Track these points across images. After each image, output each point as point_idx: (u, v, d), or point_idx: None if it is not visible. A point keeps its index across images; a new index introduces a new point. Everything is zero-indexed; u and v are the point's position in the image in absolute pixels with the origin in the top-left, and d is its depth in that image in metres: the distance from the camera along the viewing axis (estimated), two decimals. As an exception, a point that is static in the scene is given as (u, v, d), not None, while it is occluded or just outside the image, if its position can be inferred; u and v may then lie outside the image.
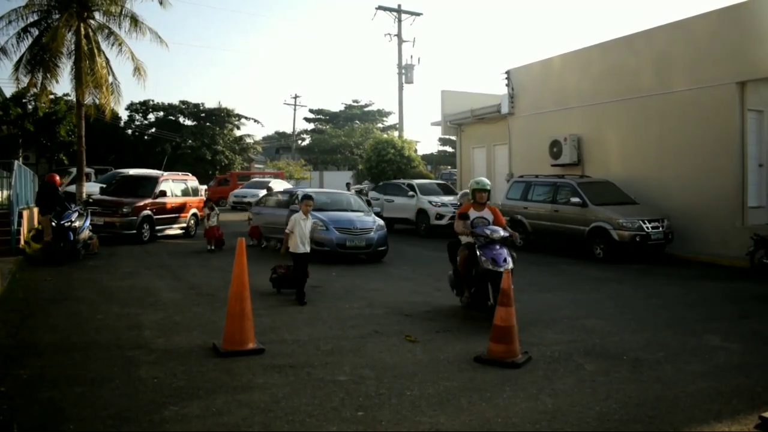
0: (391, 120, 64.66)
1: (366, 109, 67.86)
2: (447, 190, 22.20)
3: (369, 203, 20.05)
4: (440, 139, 62.86)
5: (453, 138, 30.27)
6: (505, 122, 22.62)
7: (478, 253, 8.11)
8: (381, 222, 14.84)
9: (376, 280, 11.84)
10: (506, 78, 22.26)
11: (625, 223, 14.42)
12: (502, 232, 8.25)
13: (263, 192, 22.53)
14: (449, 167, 51.91)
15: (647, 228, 14.37)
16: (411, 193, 20.95)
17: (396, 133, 33.47)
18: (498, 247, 8.09)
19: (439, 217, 19.87)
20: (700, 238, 15.35)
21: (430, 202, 20.26)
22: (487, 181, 8.88)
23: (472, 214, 8.60)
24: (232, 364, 6.15)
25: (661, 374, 6.03)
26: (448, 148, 60.34)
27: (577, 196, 15.51)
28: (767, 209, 15.72)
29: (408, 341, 7.20)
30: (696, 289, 11.16)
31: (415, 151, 29.27)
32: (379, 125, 64.17)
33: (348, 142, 58.65)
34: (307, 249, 9.64)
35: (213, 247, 15.88)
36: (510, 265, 7.87)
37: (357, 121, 65.62)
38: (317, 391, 5.43)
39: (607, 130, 18.43)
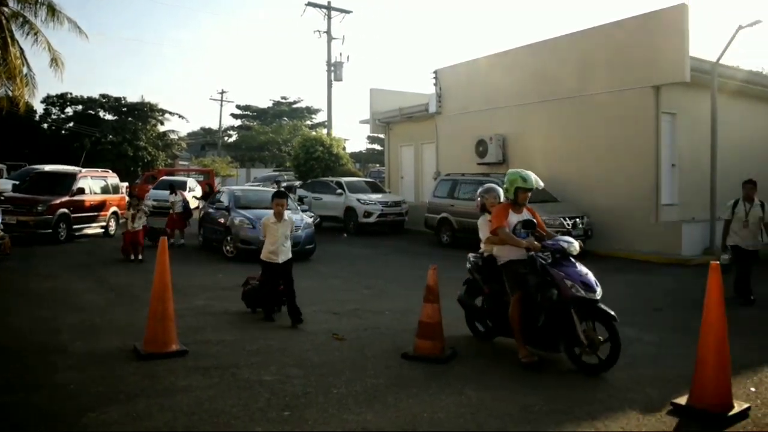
0: (320, 117, 64.47)
1: (294, 106, 67.34)
2: (375, 188, 22.31)
3: (301, 200, 19.91)
4: (369, 137, 63.13)
5: (381, 136, 30.41)
6: (433, 121, 22.91)
7: (552, 274, 6.14)
8: (309, 220, 14.76)
9: (304, 278, 11.74)
10: (434, 78, 22.54)
11: (547, 219, 14.83)
12: (577, 244, 6.37)
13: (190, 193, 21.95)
14: (378, 165, 52.15)
15: (567, 225, 14.85)
16: (339, 190, 20.94)
17: (325, 131, 33.33)
18: (577, 264, 6.25)
19: (368, 215, 19.94)
20: (618, 234, 16.00)
21: (359, 200, 20.31)
22: (534, 177, 6.66)
23: (513, 218, 6.59)
24: (154, 367, 5.99)
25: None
26: (377, 146, 60.56)
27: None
28: (680, 207, 16.53)
29: (336, 339, 7.20)
30: (612, 284, 11.59)
31: (344, 148, 29.24)
32: (308, 122, 63.74)
33: (276, 139, 57.98)
34: (282, 258, 8.05)
35: (137, 257, 13.52)
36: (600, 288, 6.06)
37: (285, 118, 65.01)
38: (242, 392, 5.36)
39: (531, 130, 18.93)
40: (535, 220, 6.56)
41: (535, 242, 6.34)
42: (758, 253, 10.11)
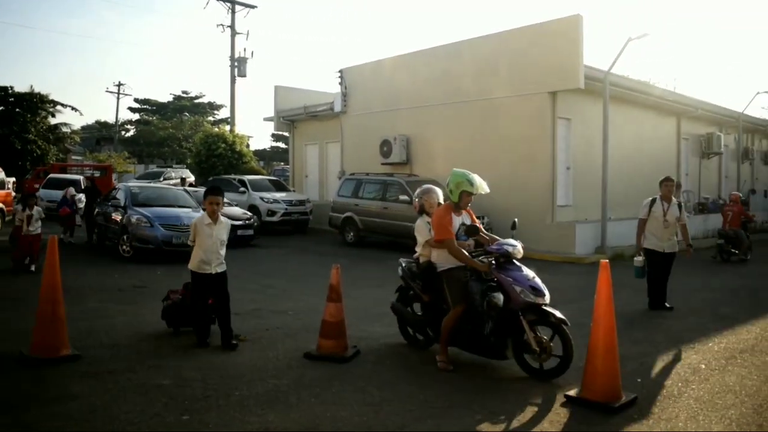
0: (223, 113, 63.12)
1: (196, 101, 65.56)
2: (279, 187, 22.08)
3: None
4: (273, 135, 62.39)
5: (286, 134, 30.11)
6: (338, 120, 22.93)
7: (500, 280, 5.99)
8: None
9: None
10: (339, 77, 22.56)
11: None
12: (520, 246, 6.23)
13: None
14: (282, 164, 51.63)
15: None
16: (242, 189, 20.57)
17: (227, 127, 32.67)
18: (523, 267, 6.09)
19: (271, 213, 19.70)
20: (516, 234, 16.53)
21: (262, 199, 20.02)
22: (479, 181, 6.44)
23: (455, 221, 6.35)
24: (43, 373, 5.67)
25: (483, 362, 6.42)
26: (281, 144, 59.95)
27: (405, 194, 16.09)
28: (573, 208, 17.36)
29: (238, 340, 7.06)
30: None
31: (247, 146, 28.79)
32: (210, 118, 62.25)
33: (176, 135, 56.26)
34: (216, 268, 6.82)
35: (30, 265, 11.74)
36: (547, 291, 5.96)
37: (186, 114, 63.20)
38: (139, 398, 5.16)
39: (434, 131, 19.31)
40: (478, 226, 6.36)
41: (487, 264, 6.10)
42: (674, 256, 9.57)
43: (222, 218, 6.91)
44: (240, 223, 15.82)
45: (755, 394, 5.64)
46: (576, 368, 5.70)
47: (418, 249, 6.77)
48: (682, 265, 10.56)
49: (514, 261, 6.13)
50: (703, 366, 6.55)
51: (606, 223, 16.07)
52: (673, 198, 9.56)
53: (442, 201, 6.87)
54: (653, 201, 9.49)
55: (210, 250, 6.74)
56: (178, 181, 28.12)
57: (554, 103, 16.59)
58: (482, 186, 6.38)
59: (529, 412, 5.14)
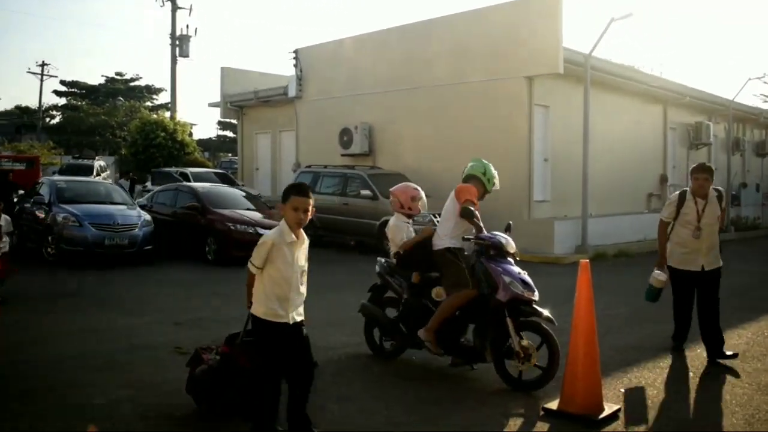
0: (163, 98, 62.15)
1: (132, 84, 64.50)
2: (227, 181, 21.90)
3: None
4: (219, 123, 61.85)
5: (234, 122, 29.91)
6: (293, 106, 22.84)
7: (489, 269, 6.06)
8: (148, 217, 14.21)
9: (142, 285, 11.35)
10: (294, 58, 22.44)
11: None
12: (513, 243, 6.34)
13: None
14: (230, 155, 51.26)
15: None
16: (185, 182, 20.32)
17: (167, 114, 32.31)
18: (512, 261, 6.26)
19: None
20: (490, 231, 16.69)
21: (208, 194, 19.80)
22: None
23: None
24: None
25: (450, 373, 6.48)
26: (229, 133, 59.52)
27: (367, 189, 16.11)
28: (552, 203, 17.57)
29: (179, 354, 6.99)
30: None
31: (190, 135, 28.56)
32: (148, 104, 61.36)
33: (109, 122, 55.31)
34: (296, 317, 4.69)
35: None
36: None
37: (120, 98, 62.09)
38: (70, 419, 5.09)
39: (401, 119, 19.37)
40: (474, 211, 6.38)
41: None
42: (719, 275, 7.38)
43: (303, 234, 4.80)
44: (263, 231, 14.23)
45: (747, 404, 5.79)
46: (557, 378, 5.78)
47: (393, 249, 6.81)
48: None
49: (506, 257, 6.19)
50: (691, 374, 6.71)
51: (587, 220, 16.30)
52: (712, 190, 7.34)
53: (425, 200, 6.96)
54: (682, 197, 7.40)
55: (290, 284, 4.64)
56: (105, 174, 27.66)
57: (531, 89, 16.77)
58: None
59: (506, 426, 5.20)
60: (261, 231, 12.19)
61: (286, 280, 4.60)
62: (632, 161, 20.33)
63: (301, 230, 4.71)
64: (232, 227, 13.66)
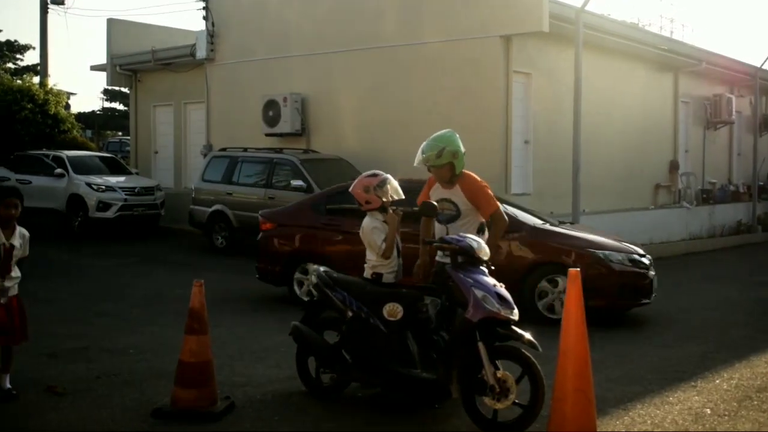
0: (30, 59, 61.05)
1: (-12, 40, 63.35)
2: (116, 168, 21.61)
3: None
4: (106, 92, 60.82)
5: (125, 90, 29.53)
6: (203, 71, 22.59)
7: (458, 280, 6.11)
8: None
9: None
10: (204, 8, 22.18)
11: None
12: (487, 248, 6.45)
13: None
14: (119, 134, 50.53)
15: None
16: (60, 170, 20.01)
17: (36, 79, 31.69)
18: (486, 271, 6.28)
19: (103, 206, 19.25)
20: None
21: (90, 185, 19.53)
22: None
23: (436, 194, 7.23)
24: None
25: (407, 412, 6.51)
26: (119, 105, 58.65)
27: (300, 178, 16.08)
28: (534, 197, 17.69)
29: (54, 393, 6.90)
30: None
31: (67, 107, 28.04)
32: (10, 65, 60.19)
33: (-42, 91, 54.19)
34: None
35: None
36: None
37: (-27, 59, 60.93)
38: None
39: (341, 89, 19.35)
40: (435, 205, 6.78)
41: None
42: None
43: None
44: None
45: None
46: (541, 417, 5.84)
47: (372, 259, 6.73)
48: (672, 272, 10.94)
49: (478, 264, 6.23)
50: (708, 411, 6.81)
51: (578, 218, 16.44)
52: None
53: (394, 182, 6.85)
54: None
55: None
56: None
57: (508, 52, 16.81)
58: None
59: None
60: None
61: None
62: (635, 144, 20.55)
63: None
64: None
